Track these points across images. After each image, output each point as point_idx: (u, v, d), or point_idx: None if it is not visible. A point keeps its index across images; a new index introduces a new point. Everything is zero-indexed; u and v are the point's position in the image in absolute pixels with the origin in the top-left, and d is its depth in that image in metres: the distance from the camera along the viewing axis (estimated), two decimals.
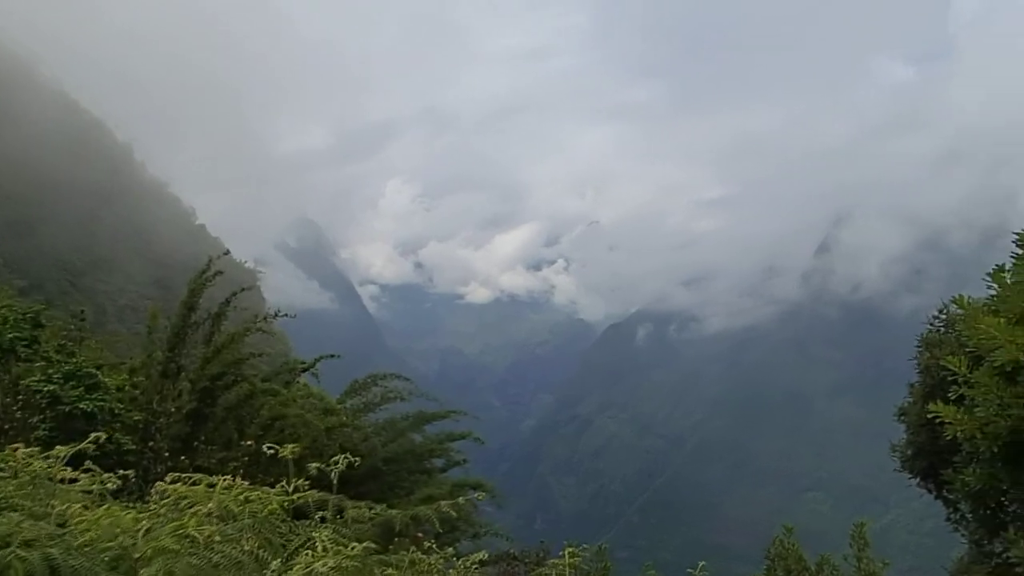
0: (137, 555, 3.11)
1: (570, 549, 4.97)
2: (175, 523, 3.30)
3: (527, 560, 10.75)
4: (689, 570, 5.07)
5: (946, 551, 7.47)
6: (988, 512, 6.55)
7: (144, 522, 3.36)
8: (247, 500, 4.03)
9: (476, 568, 4.83)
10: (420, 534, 4.75)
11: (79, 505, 3.58)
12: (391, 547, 4.67)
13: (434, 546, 4.61)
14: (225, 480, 4.02)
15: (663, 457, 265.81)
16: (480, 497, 4.72)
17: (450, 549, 4.65)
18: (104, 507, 3.63)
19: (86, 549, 3.10)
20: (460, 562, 4.61)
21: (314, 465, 4.49)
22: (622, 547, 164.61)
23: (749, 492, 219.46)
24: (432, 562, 4.54)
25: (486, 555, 4.49)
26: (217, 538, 3.03)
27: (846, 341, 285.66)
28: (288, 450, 4.42)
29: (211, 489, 3.93)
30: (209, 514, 3.65)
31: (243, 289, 13.56)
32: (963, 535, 7.17)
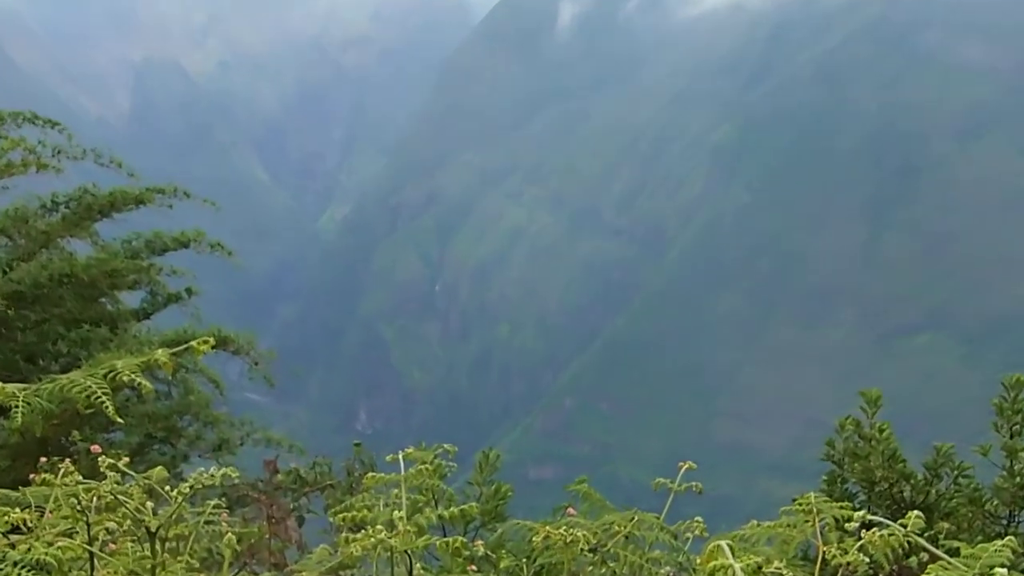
0: None
1: (410, 451, 2.66)
2: None
3: (317, 486, 5.70)
4: (660, 479, 2.62)
5: None
6: None
7: None
8: None
9: (204, 507, 2.50)
10: (96, 446, 2.47)
11: None
12: (39, 470, 2.38)
13: (124, 466, 2.30)
14: None
15: (621, 276, 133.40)
16: (199, 351, 2.18)
17: (160, 470, 2.33)
18: None
19: None
20: (175, 493, 2.30)
21: None
22: (535, 455, 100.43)
23: (782, 338, 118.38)
24: (109, 491, 2.26)
25: (219, 478, 2.18)
26: None
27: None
28: None
29: None
30: None
31: None
32: None
